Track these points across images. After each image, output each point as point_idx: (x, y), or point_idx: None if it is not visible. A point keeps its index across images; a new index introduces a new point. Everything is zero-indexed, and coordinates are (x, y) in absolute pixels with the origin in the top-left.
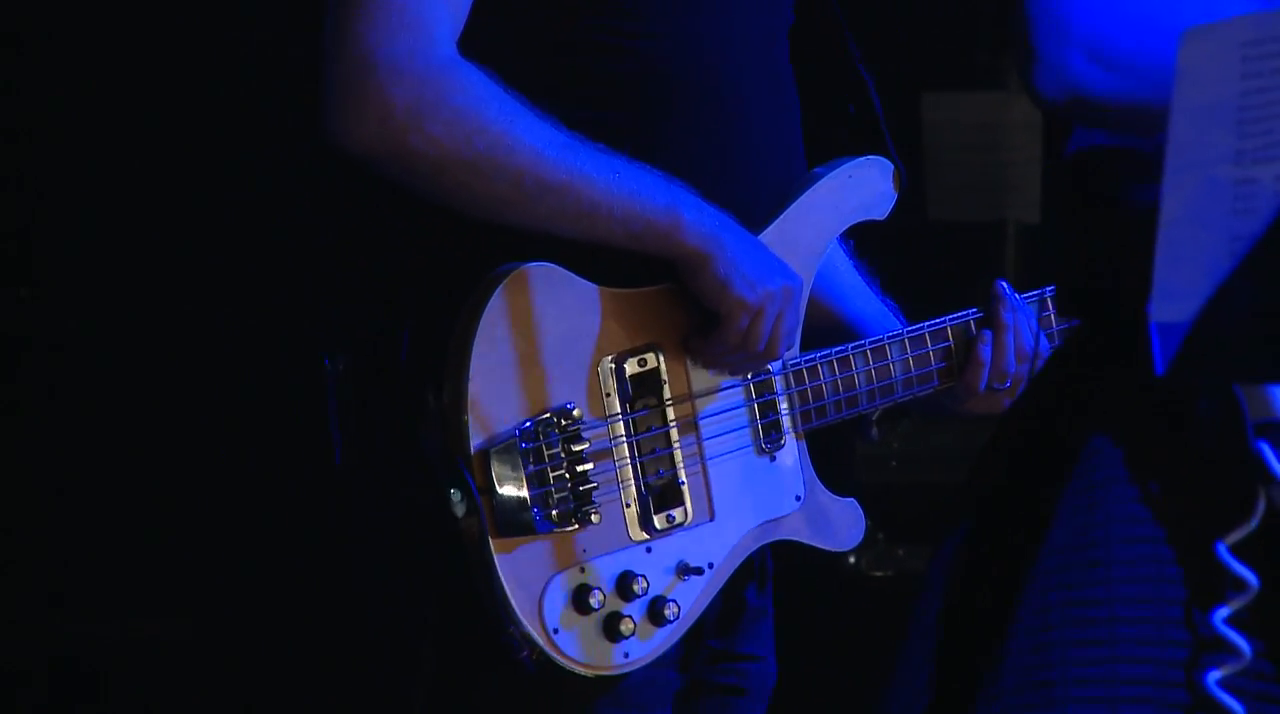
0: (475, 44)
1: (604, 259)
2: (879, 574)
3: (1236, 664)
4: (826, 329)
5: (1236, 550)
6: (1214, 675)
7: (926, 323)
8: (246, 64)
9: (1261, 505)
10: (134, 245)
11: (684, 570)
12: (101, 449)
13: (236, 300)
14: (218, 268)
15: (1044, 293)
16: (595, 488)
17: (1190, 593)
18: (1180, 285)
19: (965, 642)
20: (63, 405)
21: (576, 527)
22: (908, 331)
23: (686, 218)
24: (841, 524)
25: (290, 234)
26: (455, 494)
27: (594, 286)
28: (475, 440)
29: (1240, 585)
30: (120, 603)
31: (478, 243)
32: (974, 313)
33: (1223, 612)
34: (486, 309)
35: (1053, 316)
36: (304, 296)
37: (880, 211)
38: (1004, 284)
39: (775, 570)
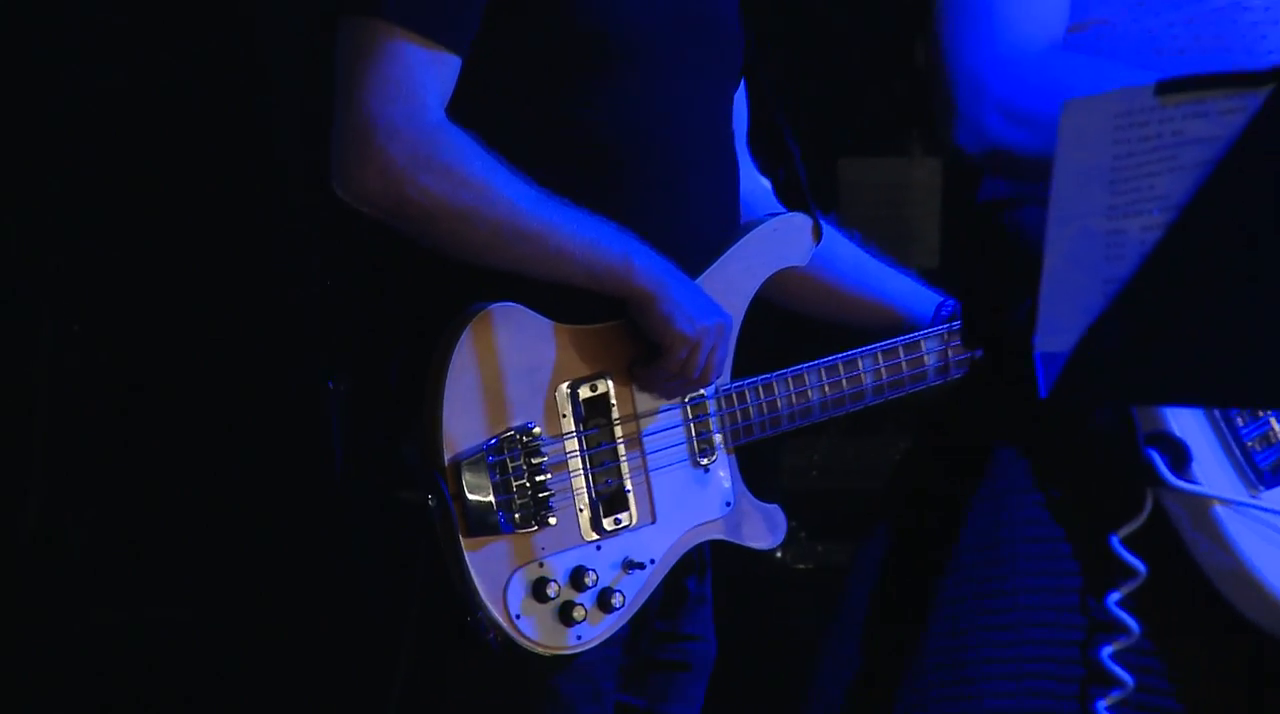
0: (459, 114)
1: (563, 298)
2: (801, 567)
3: (1127, 640)
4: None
5: (1127, 542)
6: (1107, 650)
7: (840, 354)
8: (263, 116)
9: (1149, 503)
10: (170, 286)
11: (629, 565)
12: (134, 457)
13: (258, 329)
14: (243, 303)
15: (949, 327)
16: (552, 495)
17: (1086, 581)
18: (1061, 321)
19: (890, 628)
20: (107, 421)
21: (536, 528)
22: (823, 362)
23: (638, 263)
24: (766, 526)
25: (305, 276)
26: (432, 499)
27: (551, 322)
28: (448, 454)
29: (1130, 572)
30: (139, 593)
31: (457, 283)
32: (882, 345)
33: (1115, 595)
34: (458, 342)
35: (950, 350)
36: (314, 329)
37: (802, 259)
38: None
39: (713, 563)
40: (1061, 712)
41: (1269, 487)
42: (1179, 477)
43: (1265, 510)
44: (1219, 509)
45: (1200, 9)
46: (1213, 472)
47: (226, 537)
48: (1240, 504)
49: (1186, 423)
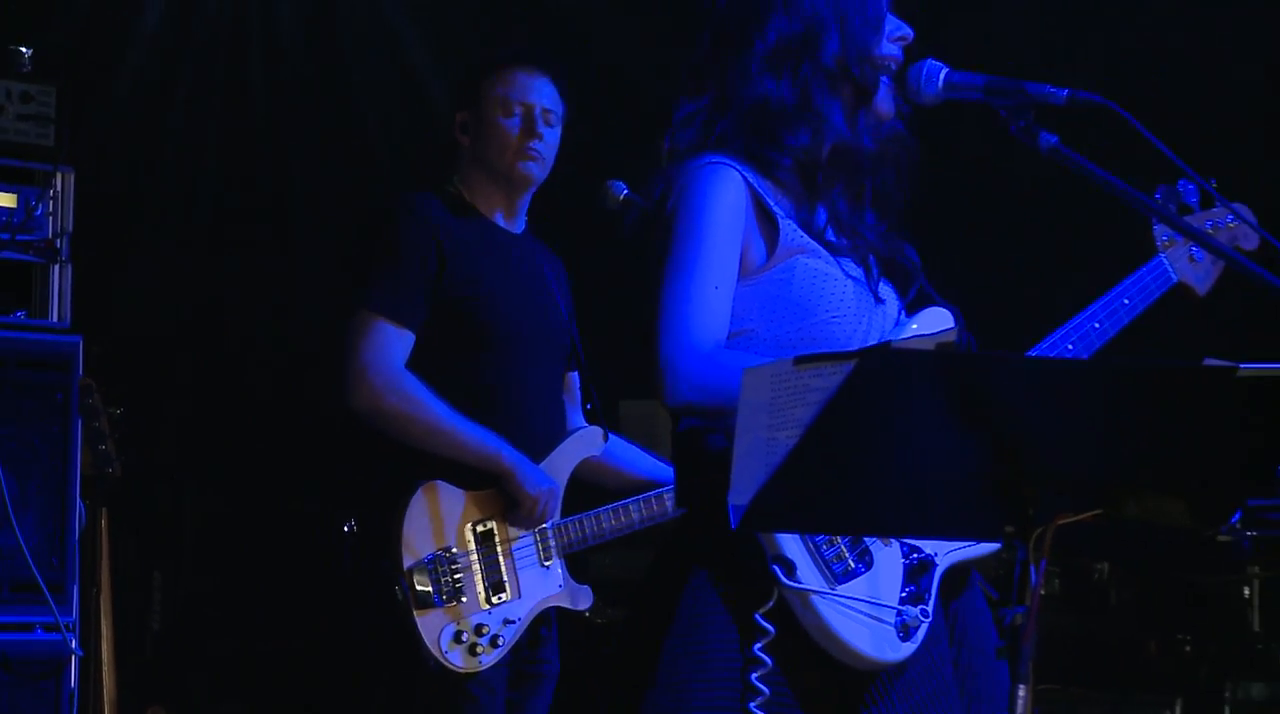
0: (411, 365)
1: (467, 474)
2: (600, 621)
3: (765, 670)
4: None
5: (765, 616)
6: (754, 675)
7: (619, 502)
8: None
9: (776, 594)
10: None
11: (507, 622)
12: (238, 557)
13: (299, 484)
14: (294, 483)
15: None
16: (463, 585)
17: (742, 638)
18: (743, 487)
19: (638, 665)
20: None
21: (455, 603)
22: (611, 506)
23: (505, 455)
24: (582, 597)
25: (327, 462)
26: (397, 590)
27: (462, 491)
28: (405, 564)
29: (765, 633)
30: (247, 632)
31: (415, 459)
32: (641, 497)
33: (758, 645)
34: (410, 502)
35: (669, 503)
36: (336, 489)
37: (597, 451)
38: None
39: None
40: (732, 710)
41: (841, 583)
42: (790, 580)
43: (840, 596)
44: (813, 597)
45: (807, 321)
46: (809, 575)
47: (286, 601)
48: (825, 594)
49: (793, 547)
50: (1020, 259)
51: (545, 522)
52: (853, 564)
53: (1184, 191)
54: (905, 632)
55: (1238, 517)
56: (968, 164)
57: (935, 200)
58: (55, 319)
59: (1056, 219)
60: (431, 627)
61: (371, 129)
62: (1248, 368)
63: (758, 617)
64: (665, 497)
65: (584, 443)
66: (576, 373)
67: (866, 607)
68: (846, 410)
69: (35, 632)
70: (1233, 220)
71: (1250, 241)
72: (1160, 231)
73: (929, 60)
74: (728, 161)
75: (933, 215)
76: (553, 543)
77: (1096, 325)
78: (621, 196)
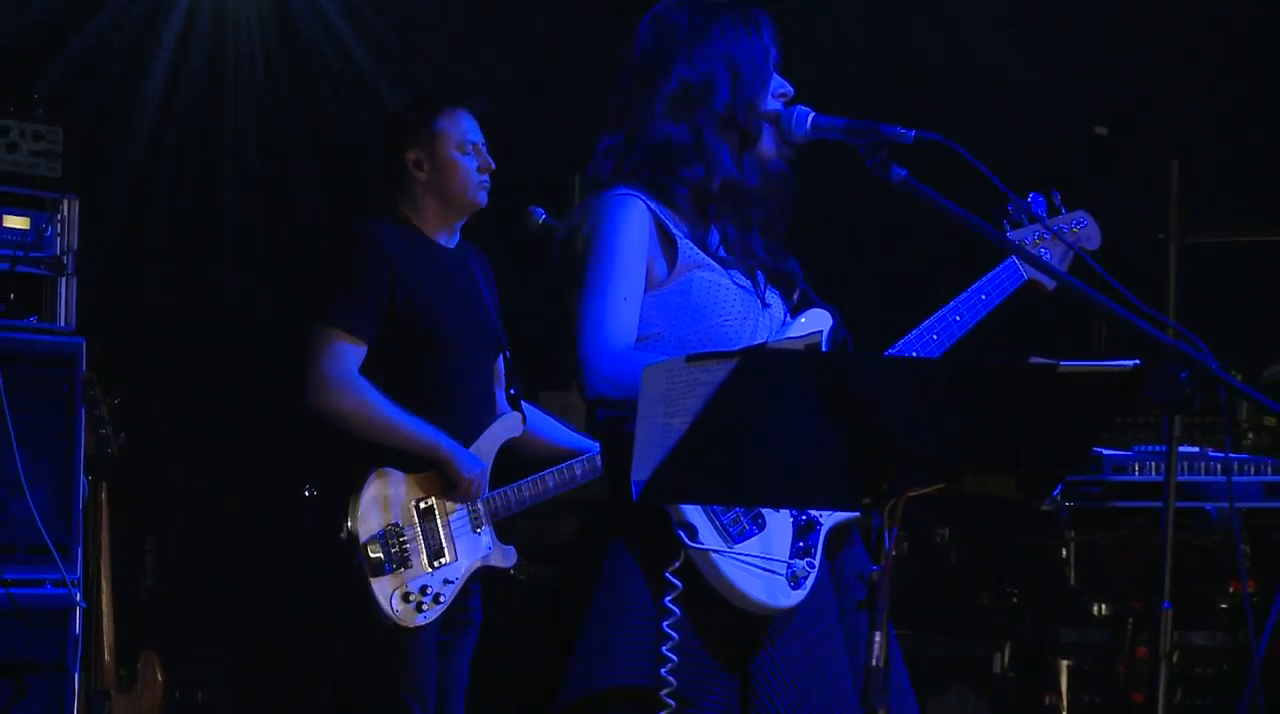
0: (366, 370)
1: (413, 460)
2: (523, 578)
3: (674, 618)
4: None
5: (674, 573)
6: (666, 623)
7: (537, 474)
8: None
9: (683, 554)
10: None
11: (446, 582)
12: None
13: (272, 467)
14: (265, 457)
15: (588, 457)
16: (409, 554)
17: (654, 592)
18: (645, 463)
19: (562, 637)
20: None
21: (404, 569)
22: (533, 477)
23: (444, 444)
24: (507, 556)
25: (294, 445)
26: (355, 560)
27: (405, 473)
28: (361, 537)
29: (674, 587)
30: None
31: (367, 449)
32: (555, 468)
33: (668, 597)
34: (364, 486)
35: (588, 470)
36: (299, 471)
37: (518, 432)
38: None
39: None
40: (648, 654)
41: (737, 542)
42: (692, 541)
43: (737, 554)
44: (714, 555)
45: (706, 324)
46: (709, 537)
47: (260, 561)
48: (723, 552)
49: (695, 514)
50: (891, 263)
51: (476, 498)
52: (747, 526)
53: (1033, 202)
54: (795, 581)
55: (1058, 490)
56: (848, 187)
57: (822, 215)
58: (63, 323)
59: (923, 228)
60: (384, 589)
61: (344, 157)
62: (1067, 365)
63: (668, 574)
64: (575, 466)
65: (506, 427)
66: (502, 361)
67: (760, 561)
68: (730, 400)
69: (45, 587)
70: (1076, 225)
71: (1094, 242)
72: (1014, 237)
73: (799, 106)
74: (634, 193)
75: (820, 227)
76: (483, 512)
77: (957, 318)
78: (540, 221)
